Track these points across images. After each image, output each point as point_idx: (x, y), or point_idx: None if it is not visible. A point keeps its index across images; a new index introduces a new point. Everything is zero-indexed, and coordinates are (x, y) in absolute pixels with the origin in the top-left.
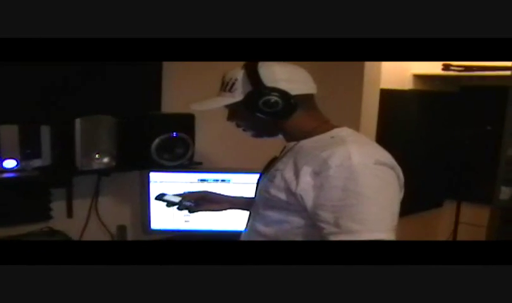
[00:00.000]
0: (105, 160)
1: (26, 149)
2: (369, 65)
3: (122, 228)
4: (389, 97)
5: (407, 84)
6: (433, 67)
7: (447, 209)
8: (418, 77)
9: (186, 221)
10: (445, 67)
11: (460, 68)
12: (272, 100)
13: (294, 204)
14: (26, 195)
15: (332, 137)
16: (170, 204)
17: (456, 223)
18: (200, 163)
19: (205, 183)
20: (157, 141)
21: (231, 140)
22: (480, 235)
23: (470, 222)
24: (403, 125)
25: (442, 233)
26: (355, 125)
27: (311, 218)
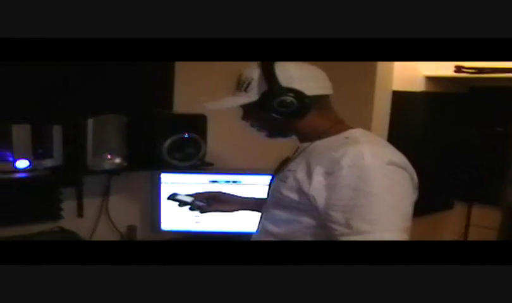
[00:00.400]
0: (117, 160)
1: (39, 149)
2: (381, 67)
3: (132, 228)
4: (400, 99)
5: (419, 86)
6: (445, 69)
7: (458, 211)
8: (430, 79)
9: (196, 222)
10: (458, 69)
11: (472, 70)
12: (288, 100)
13: (306, 204)
14: (37, 194)
15: (346, 138)
16: (182, 204)
17: (467, 225)
18: (212, 164)
19: (216, 184)
20: (168, 141)
21: (242, 141)
22: (491, 237)
23: (481, 224)
24: (415, 127)
25: (452, 235)
26: (367, 126)
27: (323, 219)
